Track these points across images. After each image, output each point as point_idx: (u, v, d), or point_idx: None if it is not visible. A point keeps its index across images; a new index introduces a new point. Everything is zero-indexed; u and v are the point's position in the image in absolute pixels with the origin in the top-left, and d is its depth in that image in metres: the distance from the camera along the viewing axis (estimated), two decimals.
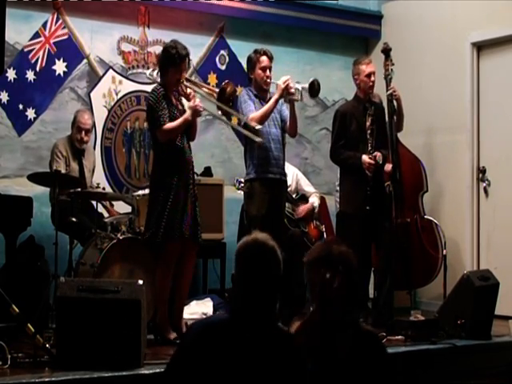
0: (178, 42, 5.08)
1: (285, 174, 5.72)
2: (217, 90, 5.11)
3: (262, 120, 5.43)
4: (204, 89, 5.23)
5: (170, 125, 4.91)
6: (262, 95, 5.62)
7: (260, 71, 5.58)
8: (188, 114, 4.97)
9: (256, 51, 5.62)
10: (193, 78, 5.48)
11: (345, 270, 2.86)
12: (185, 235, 4.92)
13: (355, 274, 2.90)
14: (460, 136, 7.01)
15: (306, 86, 5.47)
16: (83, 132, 6.03)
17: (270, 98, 5.58)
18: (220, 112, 5.16)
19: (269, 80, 5.59)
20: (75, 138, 6.06)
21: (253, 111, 5.47)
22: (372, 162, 5.67)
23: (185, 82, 5.07)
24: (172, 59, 4.95)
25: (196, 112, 5.00)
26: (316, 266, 2.92)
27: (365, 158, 5.69)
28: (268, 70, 5.59)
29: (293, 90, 5.45)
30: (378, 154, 5.74)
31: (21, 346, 4.31)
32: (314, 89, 5.49)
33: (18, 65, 6.35)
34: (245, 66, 7.20)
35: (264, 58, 5.57)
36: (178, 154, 4.97)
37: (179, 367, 2.71)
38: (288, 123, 5.64)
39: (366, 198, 5.66)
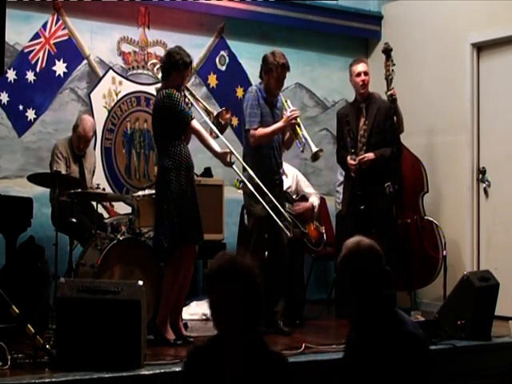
0: (182, 48, 5.09)
1: (281, 178, 5.78)
2: (214, 111, 5.13)
3: (265, 141, 5.49)
4: (201, 104, 5.24)
5: (201, 130, 4.97)
6: (270, 99, 5.64)
7: (273, 81, 5.58)
8: (216, 152, 5.00)
9: (275, 57, 5.55)
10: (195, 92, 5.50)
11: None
12: (201, 239, 5.00)
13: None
14: (460, 136, 7.01)
15: (313, 149, 5.48)
16: (83, 142, 6.04)
17: (277, 103, 5.65)
18: (213, 134, 5.16)
19: (279, 91, 5.63)
20: (75, 145, 6.06)
21: (256, 123, 5.50)
22: (353, 162, 5.73)
23: (185, 92, 5.10)
24: (175, 65, 4.97)
25: (224, 160, 5.03)
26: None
27: (348, 159, 5.78)
28: (282, 82, 5.62)
29: (297, 131, 5.50)
30: (366, 157, 5.76)
31: (21, 347, 4.31)
32: (315, 156, 5.54)
33: (18, 65, 6.35)
34: (245, 66, 7.27)
35: (281, 71, 5.55)
36: (185, 156, 5.01)
37: None
38: (285, 137, 5.70)
39: (355, 198, 5.72)
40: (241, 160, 5.29)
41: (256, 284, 2.63)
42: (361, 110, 5.90)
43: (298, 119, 5.52)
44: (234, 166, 5.10)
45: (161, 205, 4.98)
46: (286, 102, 5.65)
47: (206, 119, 5.15)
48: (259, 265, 5.40)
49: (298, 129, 5.53)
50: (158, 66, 5.38)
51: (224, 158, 5.01)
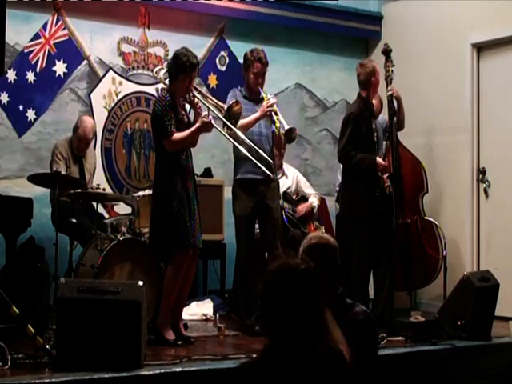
0: (189, 49, 5.08)
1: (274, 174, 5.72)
2: (224, 105, 5.12)
3: (242, 131, 5.45)
4: (210, 101, 5.23)
5: (178, 135, 4.92)
6: (251, 96, 5.67)
7: (252, 76, 5.63)
8: (198, 126, 4.98)
9: (253, 53, 5.65)
10: (203, 90, 5.50)
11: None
12: (197, 244, 4.98)
13: None
14: (460, 136, 7.01)
15: (285, 127, 5.52)
16: (83, 143, 6.05)
17: (262, 99, 5.62)
18: (226, 129, 5.15)
19: (259, 87, 5.64)
20: (75, 146, 6.07)
21: None
22: (386, 164, 5.72)
23: (193, 91, 5.09)
24: (183, 67, 4.95)
25: (207, 127, 5.00)
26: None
27: (379, 160, 5.73)
28: (261, 77, 5.63)
29: (274, 118, 5.53)
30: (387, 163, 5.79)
31: (21, 347, 4.30)
32: (289, 135, 5.54)
33: (18, 66, 6.35)
34: None
35: (258, 65, 5.60)
36: (182, 160, 4.99)
37: None
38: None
39: (375, 201, 5.68)
40: (226, 121, 5.17)
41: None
42: (372, 112, 5.88)
43: (274, 106, 5.54)
44: (215, 125, 5.05)
45: (155, 208, 4.99)
46: (265, 95, 5.64)
47: (218, 114, 5.14)
48: (250, 267, 5.46)
49: (275, 117, 5.54)
50: (164, 70, 5.35)
51: (204, 126, 4.96)
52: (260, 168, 5.48)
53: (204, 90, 6.94)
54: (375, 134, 5.86)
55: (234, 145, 5.55)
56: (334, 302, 3.04)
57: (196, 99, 5.10)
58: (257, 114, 5.55)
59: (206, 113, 5.03)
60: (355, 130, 5.79)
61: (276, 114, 5.56)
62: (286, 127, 5.52)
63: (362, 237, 5.72)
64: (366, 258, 5.72)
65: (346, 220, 5.98)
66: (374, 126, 5.87)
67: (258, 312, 2.56)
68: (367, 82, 5.87)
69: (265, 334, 2.54)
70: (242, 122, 5.49)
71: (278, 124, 5.55)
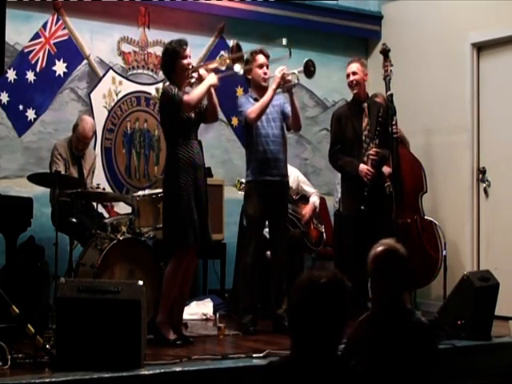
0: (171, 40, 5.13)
1: (285, 176, 5.69)
2: (227, 59, 5.11)
3: (261, 111, 5.45)
4: (211, 66, 5.19)
5: (190, 92, 4.91)
6: (261, 96, 5.62)
7: (257, 69, 5.59)
8: (211, 77, 4.96)
9: (252, 52, 5.63)
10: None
11: None
12: (210, 240, 5.00)
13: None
14: (460, 136, 7.01)
15: (301, 68, 5.45)
16: (82, 142, 6.05)
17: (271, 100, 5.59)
18: (239, 66, 5.16)
19: (266, 76, 5.61)
20: (74, 145, 6.06)
21: (249, 107, 5.51)
22: (370, 169, 5.68)
23: (195, 66, 5.09)
24: (174, 52, 4.97)
25: (213, 78, 4.97)
26: None
27: (362, 166, 5.71)
28: (265, 67, 5.61)
29: (289, 78, 5.45)
30: (374, 150, 5.73)
31: (21, 347, 4.30)
32: (309, 69, 5.48)
33: (18, 65, 6.35)
34: None
35: (261, 57, 5.59)
36: (192, 153, 4.96)
37: None
38: (290, 117, 5.61)
39: (361, 200, 5.67)
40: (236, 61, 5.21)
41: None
42: (363, 110, 5.86)
43: (285, 70, 5.43)
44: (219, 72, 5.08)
45: (165, 205, 5.01)
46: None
47: (228, 62, 5.12)
48: (255, 265, 5.47)
49: (290, 77, 5.47)
50: (158, 86, 5.38)
51: (211, 78, 4.97)
52: (276, 169, 5.50)
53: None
54: (365, 133, 5.83)
55: (247, 145, 5.59)
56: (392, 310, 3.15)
57: (201, 71, 5.04)
58: (272, 86, 5.45)
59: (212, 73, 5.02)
60: (339, 130, 5.84)
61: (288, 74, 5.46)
62: (302, 67, 5.43)
63: (349, 235, 5.75)
64: (354, 256, 5.70)
65: (336, 217, 6.17)
66: (363, 125, 5.84)
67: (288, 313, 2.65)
68: (363, 81, 5.90)
69: (292, 337, 2.67)
70: (258, 104, 5.45)
71: (293, 81, 5.46)
